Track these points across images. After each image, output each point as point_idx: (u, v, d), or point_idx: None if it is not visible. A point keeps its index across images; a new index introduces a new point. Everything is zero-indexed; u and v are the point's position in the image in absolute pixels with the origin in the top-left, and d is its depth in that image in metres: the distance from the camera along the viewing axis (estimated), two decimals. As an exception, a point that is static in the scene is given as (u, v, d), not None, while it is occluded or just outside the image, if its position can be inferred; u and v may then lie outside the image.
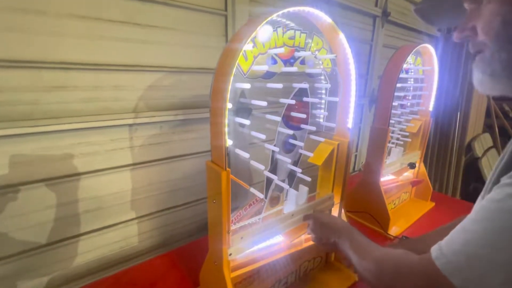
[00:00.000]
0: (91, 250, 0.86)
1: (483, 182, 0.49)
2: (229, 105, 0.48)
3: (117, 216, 0.89)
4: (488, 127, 2.71)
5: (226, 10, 0.96)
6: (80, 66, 0.72)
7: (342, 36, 0.62)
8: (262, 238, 0.62)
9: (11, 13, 0.62)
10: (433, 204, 1.23)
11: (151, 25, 0.82)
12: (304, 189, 0.71)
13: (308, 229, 0.66)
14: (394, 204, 1.16)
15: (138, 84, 0.84)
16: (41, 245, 0.75)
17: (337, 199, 0.78)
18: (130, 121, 0.83)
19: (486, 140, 2.58)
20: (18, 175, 0.69)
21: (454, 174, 2.45)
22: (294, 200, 0.70)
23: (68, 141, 0.75)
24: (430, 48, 1.05)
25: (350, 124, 0.72)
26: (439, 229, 0.60)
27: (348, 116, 0.72)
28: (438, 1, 0.43)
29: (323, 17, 0.58)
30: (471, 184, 2.63)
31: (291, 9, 0.51)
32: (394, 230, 1.03)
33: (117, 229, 0.90)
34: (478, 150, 2.40)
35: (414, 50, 0.95)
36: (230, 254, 0.56)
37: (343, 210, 0.79)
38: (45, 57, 0.67)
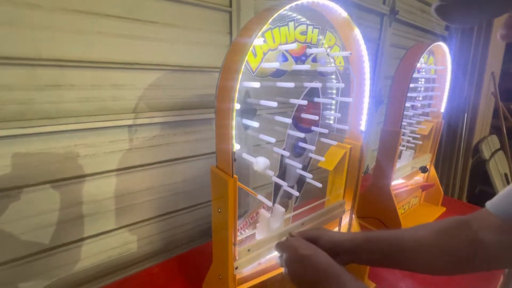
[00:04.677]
0: (88, 257, 0.82)
1: (489, 185, 0.45)
2: (237, 106, 0.43)
3: (116, 221, 0.85)
4: (495, 129, 2.65)
5: (230, 6, 0.91)
6: (76, 64, 0.68)
7: (357, 32, 0.58)
8: (271, 249, 0.57)
9: (1, 6, 0.57)
10: (444, 209, 1.19)
11: (152, 21, 0.78)
12: (279, 210, 0.59)
13: (280, 259, 0.50)
14: (404, 209, 1.11)
15: (138, 83, 0.80)
16: (33, 252, 0.71)
17: (347, 206, 0.73)
18: (130, 122, 0.79)
19: (494, 142, 2.53)
20: (9, 179, 0.65)
21: (461, 177, 2.40)
22: (266, 225, 0.57)
23: (64, 142, 0.71)
24: (443, 46, 1.00)
25: (363, 127, 0.68)
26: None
27: (361, 118, 0.67)
28: None
29: (338, 10, 0.54)
30: (477, 187, 2.58)
31: (304, 1, 0.47)
32: (405, 236, 0.98)
33: (116, 235, 0.86)
34: (486, 152, 2.35)
35: (427, 49, 0.91)
36: (236, 268, 0.51)
37: (353, 217, 0.75)
38: (38, 54, 0.63)
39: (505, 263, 0.40)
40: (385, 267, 0.49)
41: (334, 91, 0.66)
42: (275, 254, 0.52)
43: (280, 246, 0.51)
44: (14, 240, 0.68)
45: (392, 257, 0.48)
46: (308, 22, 0.54)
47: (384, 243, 0.48)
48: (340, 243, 0.49)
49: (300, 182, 0.67)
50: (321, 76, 0.63)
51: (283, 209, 0.59)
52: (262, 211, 0.59)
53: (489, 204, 0.45)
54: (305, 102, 0.55)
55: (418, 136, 1.08)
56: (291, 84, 0.49)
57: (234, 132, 0.45)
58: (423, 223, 0.51)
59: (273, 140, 0.52)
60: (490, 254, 0.42)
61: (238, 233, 0.54)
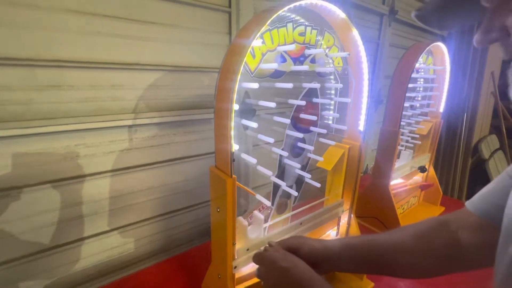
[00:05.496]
0: (88, 257, 0.82)
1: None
2: (236, 106, 0.44)
3: (116, 221, 0.85)
4: (494, 128, 2.66)
5: (230, 6, 0.92)
6: (75, 64, 0.68)
7: (355, 33, 0.58)
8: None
9: (0, 6, 0.58)
10: (443, 208, 1.19)
11: (151, 21, 0.78)
12: (259, 217, 0.56)
13: (258, 272, 0.48)
14: (403, 208, 1.12)
15: (137, 83, 0.80)
16: (33, 252, 0.72)
17: (346, 206, 0.74)
18: (130, 122, 0.79)
19: (493, 141, 2.53)
20: (9, 179, 0.65)
21: (460, 176, 2.41)
22: (246, 234, 0.55)
23: (64, 143, 0.71)
24: (442, 47, 1.00)
25: (361, 127, 0.68)
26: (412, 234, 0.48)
27: (359, 118, 0.68)
28: (444, 3, 0.37)
29: (336, 11, 0.54)
30: (477, 186, 2.59)
31: (303, 2, 0.47)
32: (404, 236, 0.99)
33: (116, 234, 0.86)
34: (485, 152, 2.35)
35: (426, 49, 0.91)
36: (235, 267, 0.52)
37: (352, 216, 0.75)
38: (38, 55, 0.63)
39: (486, 262, 0.40)
40: (367, 274, 0.48)
41: (332, 92, 0.67)
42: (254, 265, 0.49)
43: (258, 258, 0.48)
44: (14, 240, 0.68)
45: (373, 264, 0.47)
46: (306, 23, 0.54)
47: (364, 249, 0.48)
48: (321, 252, 0.47)
49: (299, 182, 0.67)
50: (320, 76, 0.63)
51: (262, 217, 0.56)
52: (239, 219, 0.54)
53: (468, 203, 0.45)
54: (303, 103, 0.55)
55: (417, 136, 1.08)
56: (289, 85, 0.50)
57: (232, 133, 0.45)
58: (403, 226, 0.50)
59: (271, 140, 0.52)
60: (470, 254, 0.42)
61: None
